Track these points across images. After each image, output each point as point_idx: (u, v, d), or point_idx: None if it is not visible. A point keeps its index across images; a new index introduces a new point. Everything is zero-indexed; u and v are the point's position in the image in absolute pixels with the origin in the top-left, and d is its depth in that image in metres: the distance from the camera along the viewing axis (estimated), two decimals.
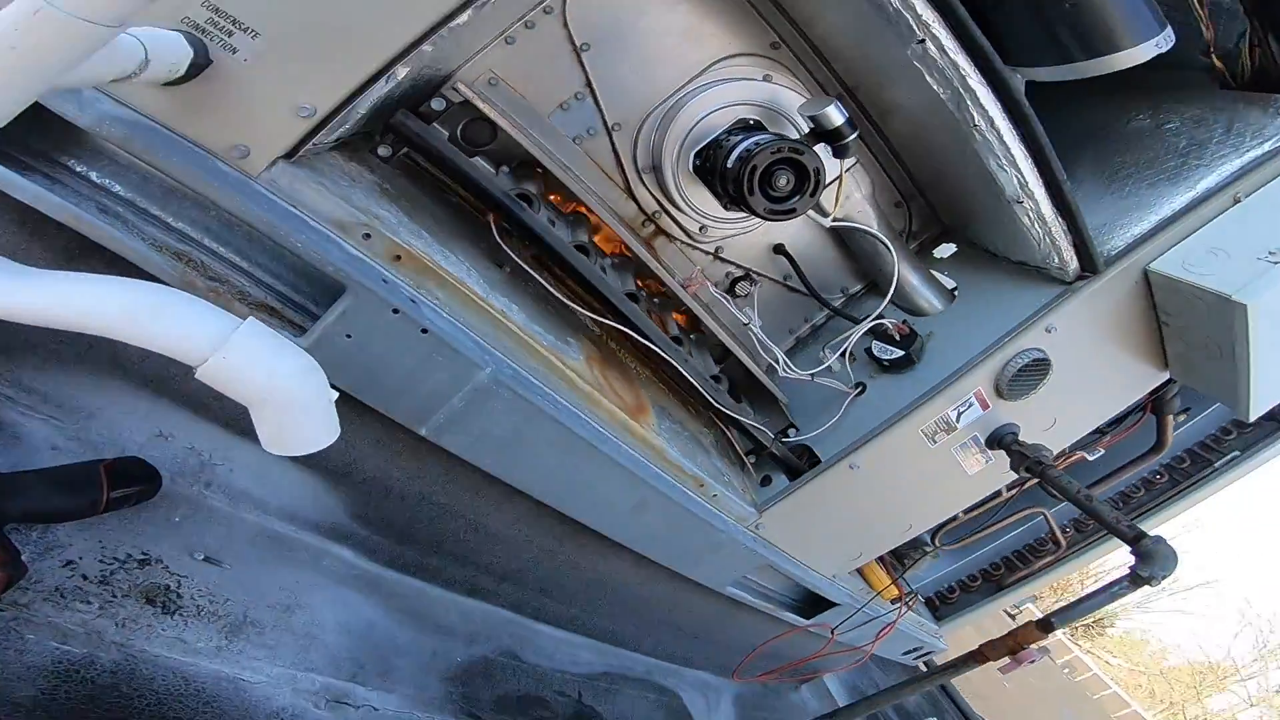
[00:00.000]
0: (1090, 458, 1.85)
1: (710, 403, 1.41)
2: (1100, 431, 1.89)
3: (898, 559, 2.21)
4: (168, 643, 0.99)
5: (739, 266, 1.57)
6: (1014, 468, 1.48)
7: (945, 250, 1.61)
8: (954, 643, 2.51)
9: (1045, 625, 1.38)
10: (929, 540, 2.14)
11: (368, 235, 1.00)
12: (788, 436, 1.55)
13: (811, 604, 2.04)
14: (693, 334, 1.57)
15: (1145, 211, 1.33)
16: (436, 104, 1.16)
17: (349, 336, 1.01)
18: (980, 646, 1.40)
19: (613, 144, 1.38)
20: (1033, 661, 1.47)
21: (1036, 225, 1.30)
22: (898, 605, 2.04)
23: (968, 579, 2.49)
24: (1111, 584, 1.31)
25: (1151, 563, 1.24)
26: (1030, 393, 1.40)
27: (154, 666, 0.96)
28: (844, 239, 1.58)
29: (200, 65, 0.83)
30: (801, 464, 1.53)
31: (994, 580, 2.44)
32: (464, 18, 0.92)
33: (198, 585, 1.07)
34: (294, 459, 1.26)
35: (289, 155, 0.94)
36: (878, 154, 1.55)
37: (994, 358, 1.37)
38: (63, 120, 0.83)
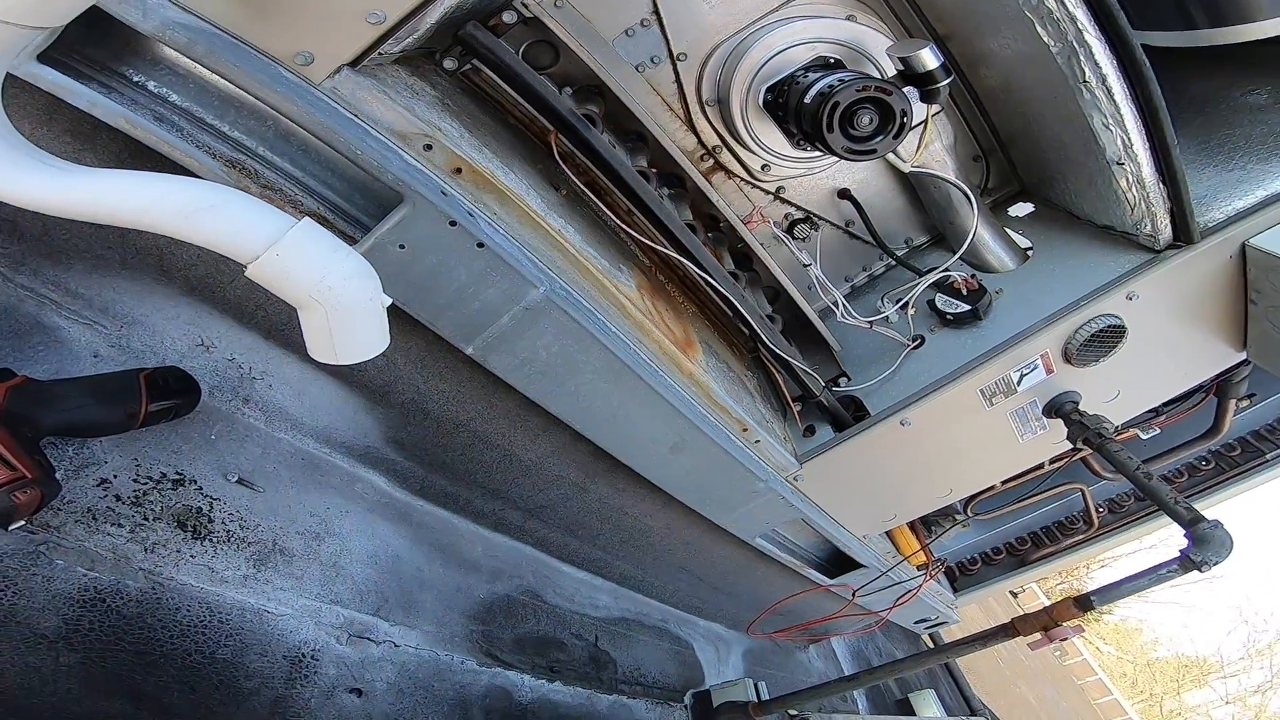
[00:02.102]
0: (1144, 436, 1.78)
1: (762, 343, 1.35)
2: (1156, 411, 1.82)
3: (926, 525, 2.18)
4: (196, 570, 0.97)
5: (800, 209, 1.49)
6: (1071, 438, 1.42)
7: (1022, 209, 1.51)
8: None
9: (1083, 603, 1.34)
10: (961, 509, 2.11)
11: (428, 146, 0.94)
12: (838, 385, 1.49)
13: (836, 563, 2.03)
14: (746, 273, 1.50)
15: (1252, 186, 1.25)
16: (508, 17, 1.08)
17: (402, 247, 0.95)
18: (1013, 621, 1.38)
19: (676, 74, 1.30)
20: (1064, 639, 1.45)
21: (1134, 189, 1.21)
22: (922, 572, 2.02)
23: (991, 551, 2.47)
24: (1159, 566, 1.26)
25: (1206, 548, 1.19)
26: (1099, 360, 1.33)
27: (180, 596, 0.94)
28: (915, 188, 1.49)
29: None
30: (849, 416, 1.48)
31: (1018, 555, 2.41)
32: None
33: (229, 509, 1.05)
34: (334, 376, 1.23)
35: (353, 63, 0.87)
36: (962, 105, 1.45)
37: (1067, 320, 1.30)
38: (120, 28, 0.77)
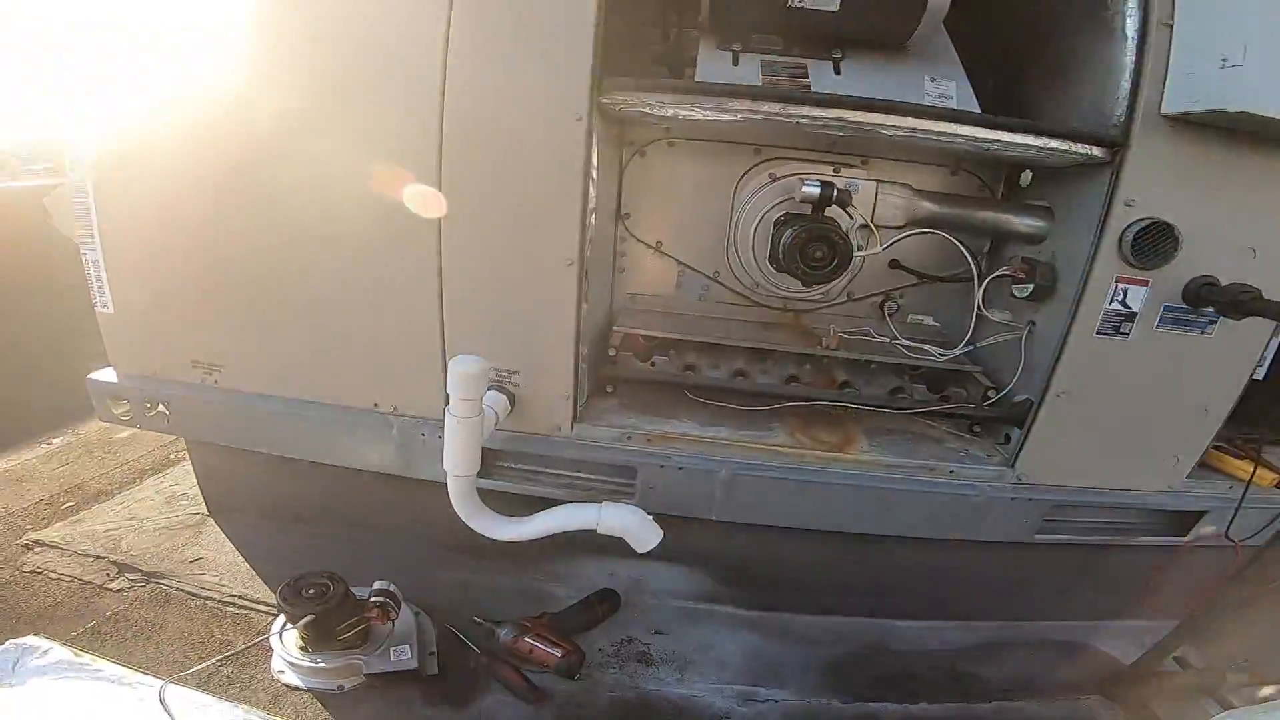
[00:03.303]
0: None
1: (898, 411, 1.79)
2: None
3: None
4: (654, 681, 1.77)
5: (874, 295, 1.96)
6: (1225, 314, 1.40)
7: (1025, 177, 1.70)
8: None
9: None
10: None
11: (629, 436, 1.84)
12: (988, 398, 1.76)
13: (1184, 522, 1.90)
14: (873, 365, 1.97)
15: (1114, 74, 1.37)
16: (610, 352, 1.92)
17: (652, 488, 1.83)
18: None
19: (723, 285, 2.02)
20: None
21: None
22: None
23: None
24: None
25: None
26: (1172, 255, 1.40)
27: (651, 694, 1.73)
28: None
29: (513, 398, 1.78)
30: (1022, 413, 1.71)
31: None
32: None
33: (658, 647, 1.87)
34: (679, 563, 2.10)
35: (575, 419, 1.82)
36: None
37: (1103, 246, 1.44)
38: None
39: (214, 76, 1.51)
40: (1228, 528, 1.82)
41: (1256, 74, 1.10)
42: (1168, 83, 1.30)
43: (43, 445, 2.64)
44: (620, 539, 1.62)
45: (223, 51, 1.49)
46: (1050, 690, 1.87)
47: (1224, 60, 1.13)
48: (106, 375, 1.87)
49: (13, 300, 3.37)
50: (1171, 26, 1.30)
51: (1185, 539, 1.90)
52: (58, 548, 1.98)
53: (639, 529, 1.62)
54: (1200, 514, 1.82)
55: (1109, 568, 2.04)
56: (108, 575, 1.90)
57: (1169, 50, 1.30)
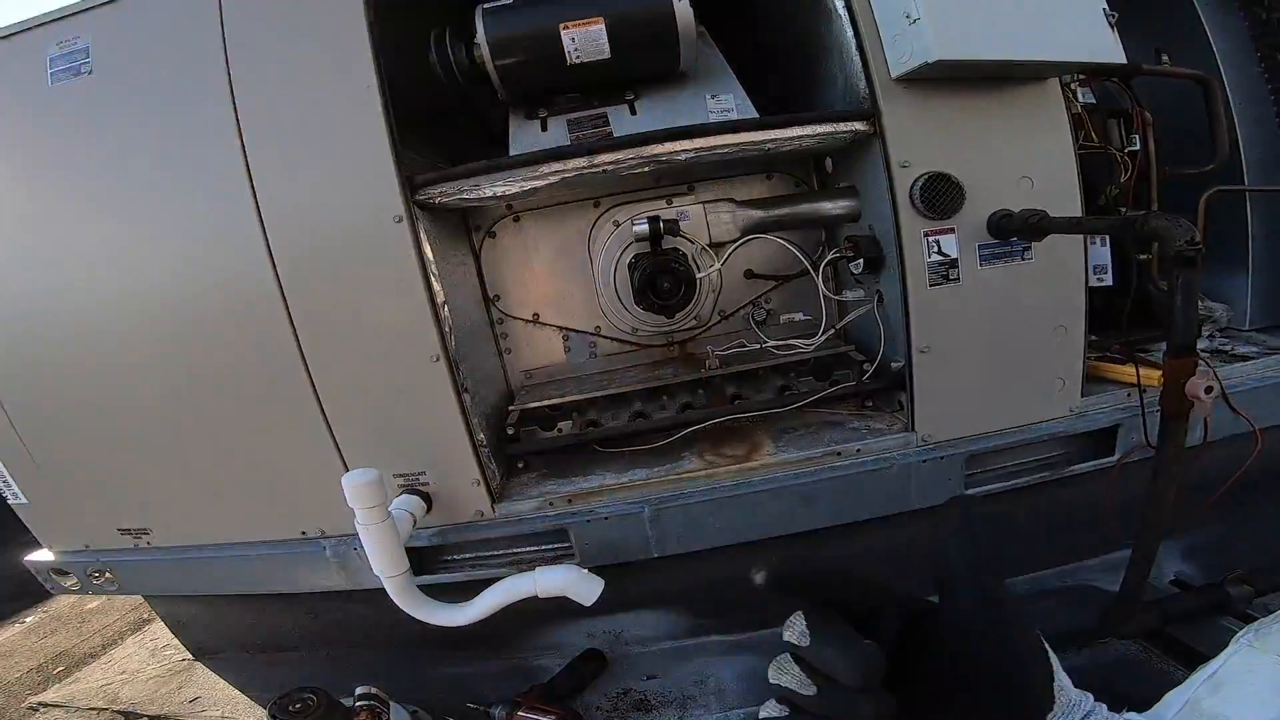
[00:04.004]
0: None
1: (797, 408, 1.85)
2: None
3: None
4: None
5: (741, 308, 2.07)
6: (1023, 237, 1.52)
7: (828, 164, 1.87)
8: None
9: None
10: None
11: (551, 502, 1.84)
12: (865, 373, 1.84)
13: (1100, 446, 1.95)
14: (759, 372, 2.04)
15: (845, 52, 1.56)
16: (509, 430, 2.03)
17: (586, 544, 1.81)
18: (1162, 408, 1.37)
19: (608, 338, 2.12)
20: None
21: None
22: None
23: None
24: None
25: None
26: (962, 200, 1.53)
27: None
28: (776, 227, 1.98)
29: (428, 496, 1.79)
30: (901, 378, 1.78)
31: None
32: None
33: (654, 692, 1.83)
34: (647, 607, 2.05)
35: (495, 500, 1.80)
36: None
37: (900, 208, 1.58)
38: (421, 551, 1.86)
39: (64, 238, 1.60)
40: (1144, 434, 1.87)
41: (934, 24, 1.26)
42: (885, 49, 1.47)
43: (17, 624, 2.72)
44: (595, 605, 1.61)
45: (78, 211, 1.59)
46: (1067, 640, 1.81)
47: (908, 17, 1.30)
48: (43, 555, 1.89)
49: None
50: None
51: (1115, 458, 1.93)
52: (62, 706, 2.10)
53: (576, 583, 1.62)
54: (1115, 429, 1.87)
55: (1072, 505, 2.04)
56: None
57: (874, 19, 1.47)
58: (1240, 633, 1.30)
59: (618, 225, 1.95)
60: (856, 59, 1.51)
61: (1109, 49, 1.31)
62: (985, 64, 1.31)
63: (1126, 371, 1.95)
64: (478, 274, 2.04)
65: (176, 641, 2.31)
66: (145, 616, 2.71)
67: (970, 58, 1.27)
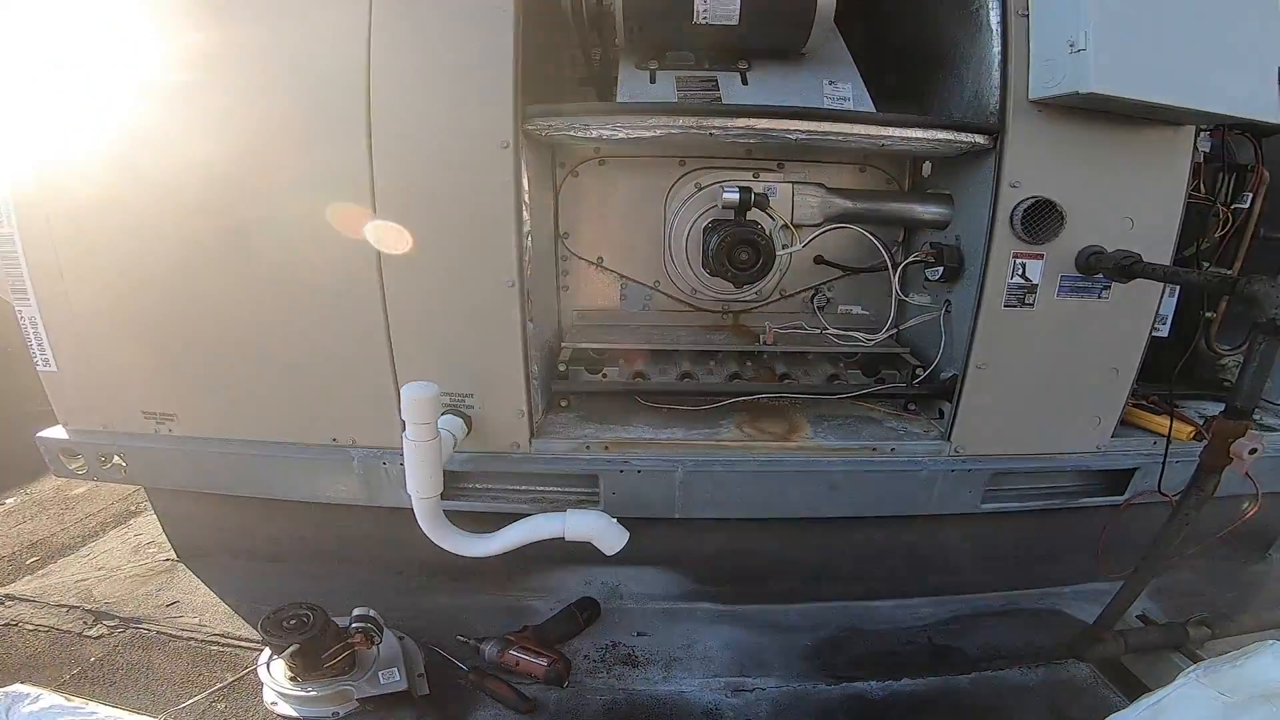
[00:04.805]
0: None
1: (841, 397, 1.89)
2: None
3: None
4: (643, 681, 1.81)
5: (804, 291, 2.08)
6: (1113, 278, 1.54)
7: (926, 168, 1.85)
8: None
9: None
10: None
11: (588, 446, 1.88)
12: (917, 376, 1.87)
13: (1119, 481, 2.02)
14: (809, 356, 2.08)
15: (986, 65, 1.51)
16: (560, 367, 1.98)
17: (614, 493, 1.88)
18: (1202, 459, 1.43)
19: (664, 294, 2.12)
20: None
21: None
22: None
23: None
24: None
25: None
26: (1057, 232, 1.54)
27: (640, 694, 1.77)
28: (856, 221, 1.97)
29: (469, 420, 1.79)
30: (950, 388, 1.82)
31: None
32: None
33: (642, 649, 1.91)
34: (655, 565, 2.14)
35: (533, 435, 1.83)
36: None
37: (998, 226, 1.57)
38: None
39: (146, 124, 1.53)
40: (1159, 482, 1.94)
41: (1098, 56, 1.24)
42: (1031, 70, 1.44)
43: None
44: (590, 546, 1.67)
45: (158, 99, 1.52)
46: (1025, 656, 1.95)
47: (1071, 45, 1.27)
48: (56, 432, 1.86)
49: None
50: (1027, 16, 1.44)
51: (1123, 497, 2.01)
52: (30, 601, 1.97)
53: (605, 532, 1.68)
54: (1132, 471, 1.94)
55: (1064, 533, 2.15)
56: (85, 623, 1.88)
57: (1028, 39, 1.44)
58: (1189, 669, 1.40)
59: (700, 188, 1.93)
60: (996, 75, 1.48)
61: (1270, 107, 1.30)
62: (1135, 103, 1.29)
63: (1156, 421, 2.01)
64: (554, 209, 2.02)
65: (160, 539, 2.25)
66: (131, 509, 2.59)
67: (1124, 95, 1.25)
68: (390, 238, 1.55)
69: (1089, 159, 1.53)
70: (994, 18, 1.48)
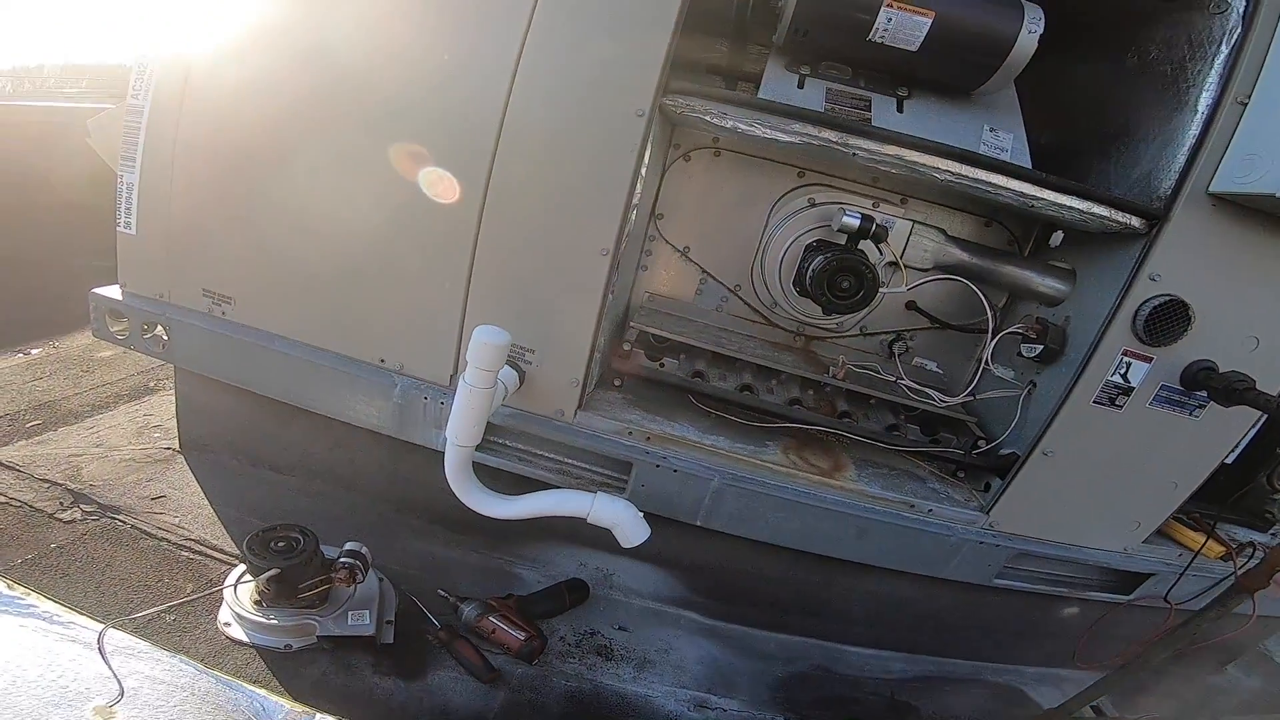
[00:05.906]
0: None
1: (891, 447, 1.84)
2: None
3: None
4: (612, 676, 1.79)
5: (886, 333, 2.00)
6: (1217, 401, 1.49)
7: (1056, 238, 1.76)
8: None
9: None
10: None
11: (630, 432, 1.84)
12: (977, 447, 1.83)
13: (1130, 582, 2.03)
14: (873, 400, 2.01)
15: (1173, 147, 1.40)
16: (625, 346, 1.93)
17: (643, 485, 1.84)
18: (1239, 579, 1.41)
19: (742, 300, 2.05)
20: None
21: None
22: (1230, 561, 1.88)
23: None
24: None
25: None
26: (1179, 337, 1.47)
27: (606, 689, 1.75)
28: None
29: (524, 375, 1.75)
30: (1006, 465, 1.78)
31: None
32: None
33: (619, 643, 1.89)
34: (651, 562, 2.12)
35: (580, 406, 1.81)
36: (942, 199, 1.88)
37: (1118, 317, 1.51)
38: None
39: (284, 26, 1.51)
40: (1168, 591, 1.95)
41: None
42: (1224, 161, 1.35)
43: (20, 355, 2.53)
44: (598, 529, 1.63)
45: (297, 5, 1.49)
46: None
47: None
48: (111, 291, 1.84)
49: (28, 212, 3.30)
50: (1245, 105, 1.34)
51: (1128, 597, 2.02)
52: (14, 469, 1.88)
53: (629, 524, 1.63)
54: (1147, 576, 1.93)
55: (1052, 616, 2.16)
56: (60, 504, 1.80)
57: (1235, 129, 1.34)
58: None
59: (813, 204, 1.83)
60: (1181, 159, 1.39)
61: None
62: None
63: (1190, 536, 2.00)
64: (657, 188, 1.93)
65: (167, 425, 2.22)
66: (150, 384, 2.54)
67: None
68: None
69: (1235, 265, 1.44)
70: (1205, 100, 1.38)
